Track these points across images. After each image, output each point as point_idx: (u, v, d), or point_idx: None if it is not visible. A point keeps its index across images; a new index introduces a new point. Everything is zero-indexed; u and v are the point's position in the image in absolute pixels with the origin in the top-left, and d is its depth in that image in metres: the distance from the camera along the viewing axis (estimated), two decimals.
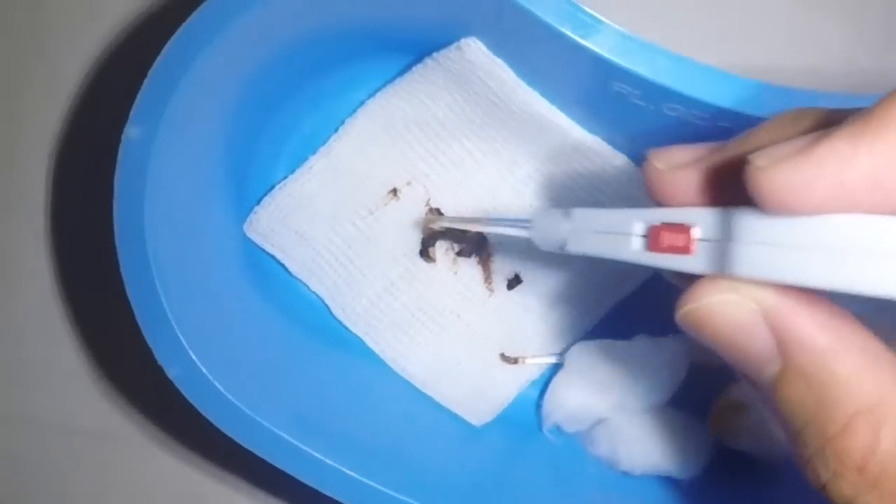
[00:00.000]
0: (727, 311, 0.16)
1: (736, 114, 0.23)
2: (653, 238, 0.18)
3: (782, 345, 0.16)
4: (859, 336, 0.16)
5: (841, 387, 0.15)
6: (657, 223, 0.18)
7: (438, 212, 0.30)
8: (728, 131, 0.24)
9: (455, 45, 0.26)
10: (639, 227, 0.19)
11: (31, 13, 0.33)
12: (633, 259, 0.19)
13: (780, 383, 0.16)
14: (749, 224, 0.16)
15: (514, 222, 0.25)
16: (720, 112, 0.24)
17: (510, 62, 0.26)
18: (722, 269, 0.16)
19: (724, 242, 0.16)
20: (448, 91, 0.28)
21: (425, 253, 0.30)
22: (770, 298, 0.16)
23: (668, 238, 0.17)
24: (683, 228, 0.17)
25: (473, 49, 0.26)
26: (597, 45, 0.23)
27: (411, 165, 0.30)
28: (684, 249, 0.17)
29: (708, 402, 0.29)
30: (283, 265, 0.29)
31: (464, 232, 0.30)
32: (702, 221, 0.17)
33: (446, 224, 0.29)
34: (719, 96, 0.23)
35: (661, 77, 0.23)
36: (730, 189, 0.17)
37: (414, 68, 0.28)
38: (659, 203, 0.19)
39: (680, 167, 0.18)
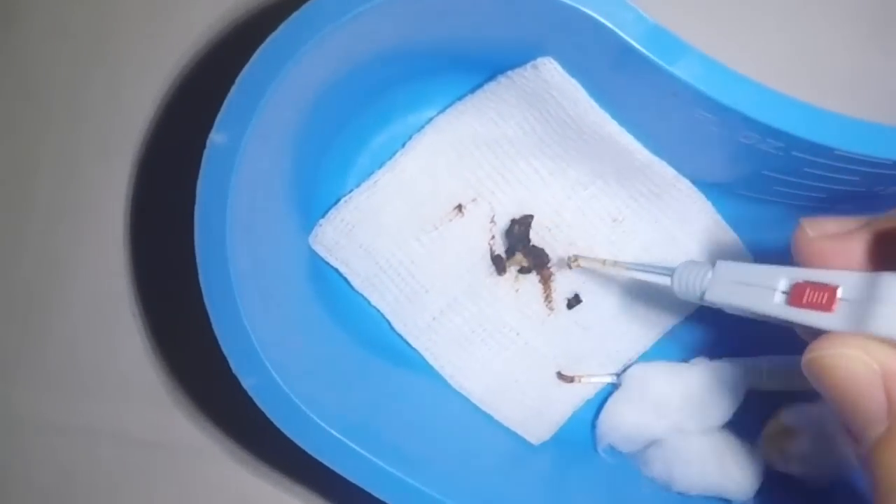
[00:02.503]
0: (849, 365, 0.17)
1: (811, 144, 0.24)
2: (796, 294, 0.19)
3: (893, 409, 0.17)
4: None
5: None
6: (801, 281, 0.19)
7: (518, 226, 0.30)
8: (801, 160, 0.25)
9: (531, 63, 0.26)
10: (783, 283, 0.20)
11: (120, 16, 0.32)
12: (772, 312, 0.20)
13: (881, 445, 0.17)
14: (894, 287, 0.17)
15: (655, 269, 0.25)
16: (796, 142, 0.24)
17: (583, 83, 0.27)
18: (858, 328, 0.17)
19: (864, 303, 0.17)
20: (519, 109, 0.28)
21: (500, 265, 0.30)
22: (894, 362, 0.17)
23: (811, 295, 0.19)
24: (829, 288, 0.18)
25: (549, 68, 0.26)
26: (683, 71, 0.23)
27: (478, 182, 0.29)
28: (826, 307, 0.18)
29: (759, 426, 0.29)
30: (345, 279, 0.29)
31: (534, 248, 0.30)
32: (845, 283, 0.18)
33: (585, 265, 0.28)
34: (803, 128, 0.23)
35: (746, 107, 0.23)
36: (876, 257, 0.19)
37: (486, 86, 0.28)
38: (804, 264, 0.20)
39: (830, 237, 0.20)
